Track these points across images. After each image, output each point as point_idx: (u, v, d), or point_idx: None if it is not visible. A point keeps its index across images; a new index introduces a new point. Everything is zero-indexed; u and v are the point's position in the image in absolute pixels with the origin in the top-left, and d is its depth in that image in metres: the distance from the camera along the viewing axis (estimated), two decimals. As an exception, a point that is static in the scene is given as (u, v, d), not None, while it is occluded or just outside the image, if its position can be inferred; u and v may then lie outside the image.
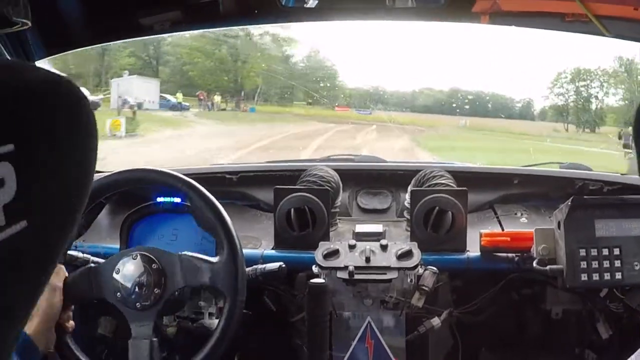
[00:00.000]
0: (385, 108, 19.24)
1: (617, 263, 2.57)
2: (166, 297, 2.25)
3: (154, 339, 2.24)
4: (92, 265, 2.40)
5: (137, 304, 2.25)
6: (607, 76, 19.07)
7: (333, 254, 2.69)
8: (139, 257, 2.27)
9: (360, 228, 2.96)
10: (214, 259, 2.31)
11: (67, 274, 2.29)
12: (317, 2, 2.77)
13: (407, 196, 3.03)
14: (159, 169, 2.34)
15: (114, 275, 2.28)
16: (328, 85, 19.65)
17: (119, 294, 2.26)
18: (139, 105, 17.17)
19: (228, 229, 2.30)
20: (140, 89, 17.88)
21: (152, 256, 2.27)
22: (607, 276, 2.57)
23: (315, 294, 2.46)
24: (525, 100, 19.60)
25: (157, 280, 2.24)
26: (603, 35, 2.72)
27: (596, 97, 19.41)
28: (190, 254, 2.30)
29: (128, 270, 2.26)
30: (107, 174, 2.41)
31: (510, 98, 19.81)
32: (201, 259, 2.30)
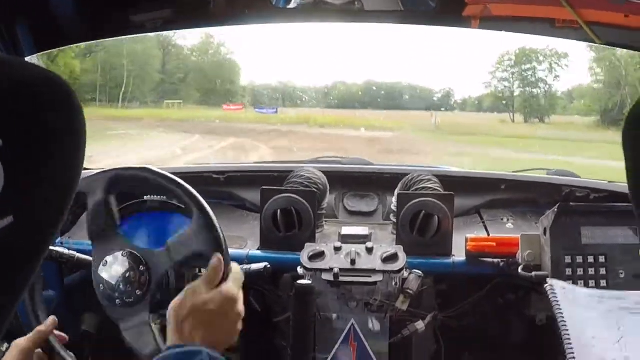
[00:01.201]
0: (296, 104, 17.62)
1: (603, 270, 2.58)
2: (151, 294, 2.24)
3: (154, 325, 2.22)
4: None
5: (118, 300, 2.24)
6: (556, 56, 17.92)
7: (318, 255, 2.69)
8: (125, 254, 2.26)
9: (347, 230, 2.97)
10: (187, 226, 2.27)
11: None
12: (302, 2, 2.77)
13: (394, 199, 3.07)
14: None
15: (99, 272, 2.27)
16: (221, 80, 17.64)
17: (101, 286, 2.25)
18: None
19: (193, 196, 2.25)
20: None
21: (137, 254, 2.26)
22: (592, 283, 2.57)
23: (302, 296, 2.46)
24: (452, 90, 18.28)
25: (142, 277, 2.23)
26: (594, 42, 2.72)
27: (545, 81, 18.21)
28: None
29: (113, 267, 2.25)
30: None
31: (446, 89, 18.50)
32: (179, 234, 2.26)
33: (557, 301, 2.40)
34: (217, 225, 2.09)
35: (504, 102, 18.32)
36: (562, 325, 2.34)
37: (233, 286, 1.86)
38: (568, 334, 2.32)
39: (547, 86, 18.14)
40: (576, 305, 2.41)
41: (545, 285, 2.46)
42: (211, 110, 17.56)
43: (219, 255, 1.93)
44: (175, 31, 15.86)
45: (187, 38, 17.21)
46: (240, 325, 1.86)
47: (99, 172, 2.25)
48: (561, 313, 2.36)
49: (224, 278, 1.89)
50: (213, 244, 2.06)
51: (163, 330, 2.34)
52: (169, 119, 17.08)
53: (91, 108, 16.46)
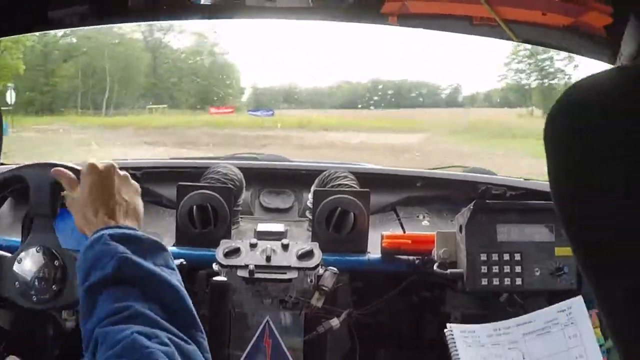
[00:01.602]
0: (296, 106, 15.95)
1: (518, 268, 2.61)
2: (66, 290, 2.22)
3: None
4: None
5: (35, 297, 2.21)
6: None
7: (234, 252, 2.68)
8: (40, 250, 2.24)
9: (262, 227, 2.99)
10: None
11: None
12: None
13: (310, 196, 3.06)
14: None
15: (14, 268, 2.25)
16: (215, 82, 15.69)
17: (16, 283, 2.23)
18: None
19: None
20: None
21: (53, 250, 2.24)
22: (507, 281, 2.61)
23: (217, 292, 2.46)
24: (460, 86, 17.11)
25: (57, 273, 2.21)
26: (511, 39, 2.75)
27: (563, 71, 17.20)
28: None
29: (28, 264, 2.23)
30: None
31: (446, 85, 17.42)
32: None
33: (456, 350, 2.44)
34: None
35: (521, 95, 17.49)
36: None
37: (85, 166, 1.88)
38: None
39: (567, 76, 17.30)
40: (477, 347, 2.45)
41: (445, 330, 2.52)
42: (199, 115, 15.69)
43: (57, 168, 2.01)
44: (165, 33, 14.88)
45: (179, 39, 16.10)
46: (128, 180, 1.92)
47: (46, 162, 2.24)
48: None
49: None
50: None
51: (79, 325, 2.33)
52: (148, 126, 15.00)
53: (69, 116, 15.02)
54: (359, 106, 16.14)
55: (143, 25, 14.30)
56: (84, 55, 14.87)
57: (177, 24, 14.97)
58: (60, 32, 13.51)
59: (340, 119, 15.64)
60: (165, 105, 15.30)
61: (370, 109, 15.58)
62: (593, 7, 2.47)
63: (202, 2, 2.77)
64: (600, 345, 2.38)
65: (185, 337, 1.41)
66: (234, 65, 16.36)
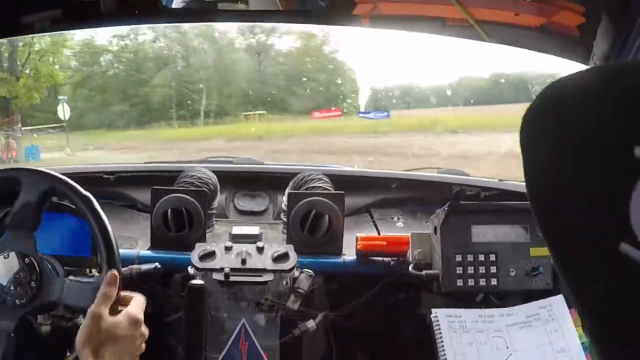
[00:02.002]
0: (415, 105, 14.05)
1: (493, 269, 2.61)
2: (41, 295, 2.20)
3: (12, 334, 2.18)
4: None
5: (12, 301, 2.19)
6: None
7: (209, 255, 2.69)
8: (13, 254, 2.22)
9: (237, 230, 2.97)
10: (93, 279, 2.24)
11: None
12: (188, 1, 2.77)
13: (285, 199, 3.06)
14: (36, 169, 2.28)
15: None
16: (324, 82, 14.17)
17: None
18: None
19: (105, 232, 2.23)
20: None
21: (27, 254, 2.22)
22: (482, 282, 2.61)
23: (194, 295, 2.44)
24: None
25: (32, 277, 2.19)
26: (484, 40, 2.76)
27: None
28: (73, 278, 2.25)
29: (2, 268, 2.20)
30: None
31: None
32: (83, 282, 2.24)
33: (441, 335, 2.46)
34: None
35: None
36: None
37: (137, 310, 1.96)
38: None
39: None
40: (462, 332, 2.45)
41: (431, 315, 2.53)
42: (302, 120, 13.91)
43: (114, 272, 1.97)
44: (268, 35, 13.77)
45: (285, 40, 14.91)
46: (143, 346, 1.97)
47: (48, 172, 2.21)
48: (443, 348, 2.44)
49: (122, 301, 1.99)
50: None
51: (55, 330, 2.31)
52: (241, 136, 12.89)
53: (160, 130, 13.75)
54: (482, 103, 14.84)
55: (244, 27, 13.40)
56: (179, 63, 14.14)
57: (279, 25, 14.09)
58: (149, 37, 13.05)
59: (469, 118, 13.66)
60: (264, 111, 13.75)
61: (494, 105, 14.16)
62: (565, 6, 2.48)
63: (173, 6, 2.77)
64: (583, 343, 2.39)
65: None
66: (345, 64, 15.32)
